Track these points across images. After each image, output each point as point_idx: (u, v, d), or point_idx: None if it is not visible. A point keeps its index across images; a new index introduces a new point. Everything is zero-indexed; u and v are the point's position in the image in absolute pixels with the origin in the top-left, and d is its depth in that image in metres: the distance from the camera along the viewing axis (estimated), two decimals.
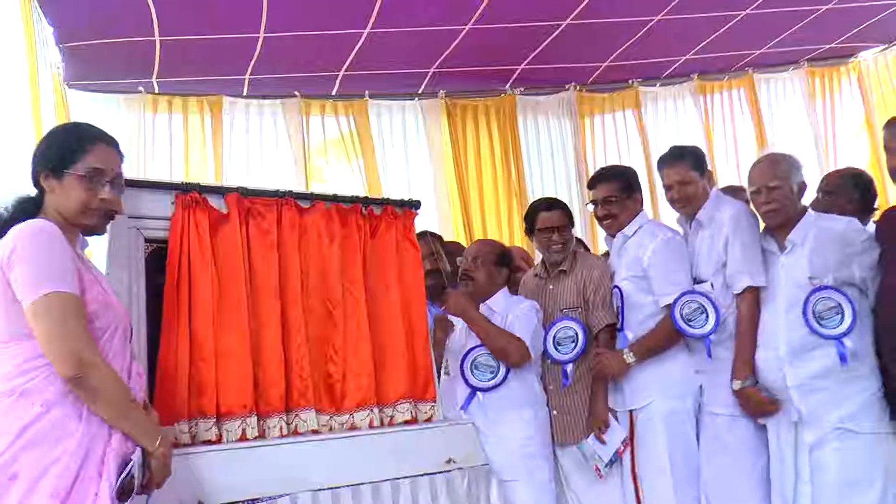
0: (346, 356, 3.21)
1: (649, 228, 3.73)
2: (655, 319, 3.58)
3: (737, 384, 3.39)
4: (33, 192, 2.34)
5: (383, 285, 3.39)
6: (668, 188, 3.73)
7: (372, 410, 3.20)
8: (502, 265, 3.82)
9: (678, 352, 3.58)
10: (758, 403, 3.36)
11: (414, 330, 3.42)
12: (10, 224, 2.17)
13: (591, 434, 3.59)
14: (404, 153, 6.87)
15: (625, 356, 3.54)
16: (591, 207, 3.90)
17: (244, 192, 3.10)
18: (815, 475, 3.19)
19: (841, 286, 3.24)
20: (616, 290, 3.66)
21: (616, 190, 3.76)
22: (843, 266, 3.27)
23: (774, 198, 3.36)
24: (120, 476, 2.10)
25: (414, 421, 3.30)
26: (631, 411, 3.59)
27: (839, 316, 3.20)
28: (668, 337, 3.55)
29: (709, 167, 3.81)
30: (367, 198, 3.51)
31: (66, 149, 2.29)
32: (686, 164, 3.69)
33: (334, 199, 3.34)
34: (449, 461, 3.20)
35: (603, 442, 3.56)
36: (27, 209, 2.25)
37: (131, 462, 2.13)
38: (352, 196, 3.43)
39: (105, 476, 2.07)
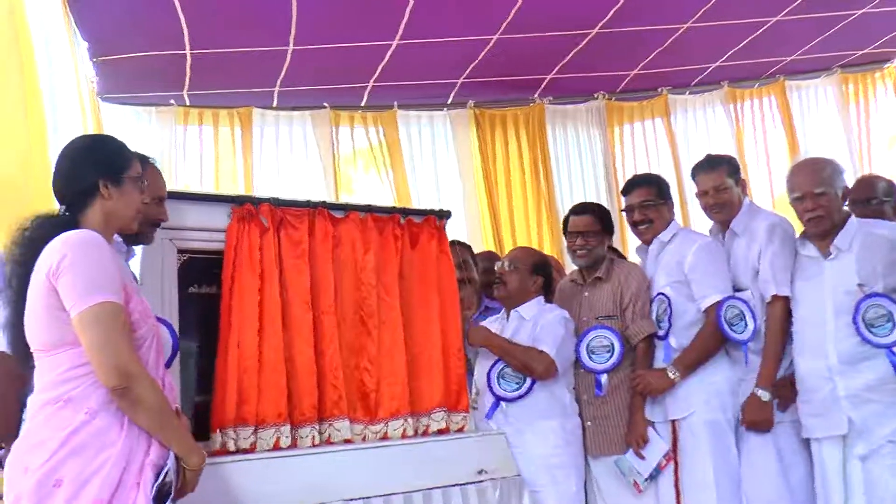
0: (380, 365, 3.23)
1: (686, 234, 3.73)
2: (698, 326, 3.55)
3: (765, 395, 3.36)
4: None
5: (420, 294, 3.41)
6: (703, 194, 3.71)
7: (406, 420, 3.21)
8: (538, 273, 3.79)
9: (720, 361, 3.54)
10: (768, 419, 3.35)
11: (448, 340, 3.42)
12: (38, 245, 2.17)
13: (629, 450, 3.55)
14: (433, 163, 6.87)
15: (669, 373, 3.50)
16: (624, 215, 3.87)
17: (276, 203, 3.14)
18: (869, 489, 3.11)
19: (891, 293, 3.19)
20: (662, 297, 3.61)
21: (652, 195, 3.75)
22: (891, 272, 3.22)
23: (821, 204, 3.30)
24: (156, 483, 2.11)
25: (447, 430, 3.30)
26: (673, 421, 3.55)
27: (889, 324, 3.13)
28: (709, 347, 3.51)
29: (742, 177, 3.78)
30: (405, 208, 3.55)
31: (119, 156, 2.34)
32: (723, 170, 3.68)
33: (369, 209, 3.38)
34: (481, 472, 3.19)
35: (641, 457, 3.52)
36: (56, 227, 2.21)
37: (166, 467, 2.15)
38: (390, 207, 3.48)
39: (142, 485, 2.09)
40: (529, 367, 3.53)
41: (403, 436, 3.19)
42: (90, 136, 2.56)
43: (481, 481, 3.17)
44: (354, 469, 2.95)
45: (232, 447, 2.83)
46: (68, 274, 2.08)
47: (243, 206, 3.05)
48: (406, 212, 3.51)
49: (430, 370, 3.35)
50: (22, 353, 2.21)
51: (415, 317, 3.39)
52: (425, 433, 3.27)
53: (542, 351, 3.52)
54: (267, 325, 2.98)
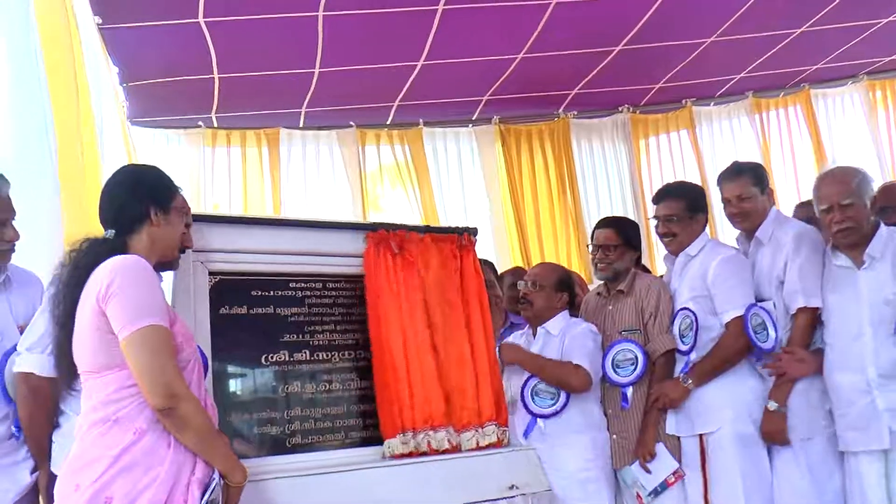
0: (449, 379, 3.31)
1: (712, 248, 3.67)
2: None
3: (773, 405, 3.33)
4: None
5: (471, 310, 3.49)
6: (726, 202, 3.68)
7: (476, 431, 3.31)
8: (562, 289, 3.79)
9: (747, 374, 3.48)
10: (781, 430, 3.31)
11: (491, 354, 3.49)
12: (88, 266, 2.23)
13: (635, 461, 3.53)
14: (459, 179, 6.92)
15: (682, 382, 3.47)
16: (654, 222, 3.83)
17: (387, 227, 3.34)
18: None
19: None
20: (686, 311, 3.56)
21: (679, 209, 3.69)
22: None
23: (849, 216, 3.22)
24: (202, 500, 2.16)
25: (499, 444, 3.34)
26: (701, 435, 3.49)
27: None
28: (725, 358, 3.46)
29: (770, 185, 3.75)
30: (439, 227, 3.71)
31: (168, 186, 2.45)
32: (746, 179, 3.64)
33: (428, 229, 3.52)
34: (511, 487, 3.19)
35: (648, 471, 3.49)
36: (105, 251, 2.27)
37: (213, 482, 2.20)
38: (452, 227, 3.64)
39: (189, 503, 2.13)
40: (566, 381, 3.52)
41: (477, 447, 3.27)
42: (140, 165, 2.67)
43: (512, 497, 3.17)
44: (384, 485, 2.96)
45: (401, 451, 3.06)
46: (116, 298, 2.14)
47: (377, 232, 3.28)
48: (439, 230, 3.59)
49: (484, 384, 3.39)
50: (66, 374, 2.28)
51: (474, 333, 3.47)
52: (484, 447, 3.32)
53: (577, 365, 3.52)
54: (410, 341, 3.21)
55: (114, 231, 2.33)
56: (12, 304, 2.90)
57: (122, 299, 2.14)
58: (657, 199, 3.83)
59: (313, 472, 2.90)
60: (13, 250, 2.90)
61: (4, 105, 3.40)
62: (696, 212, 3.73)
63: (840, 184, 3.30)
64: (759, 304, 3.47)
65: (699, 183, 6.58)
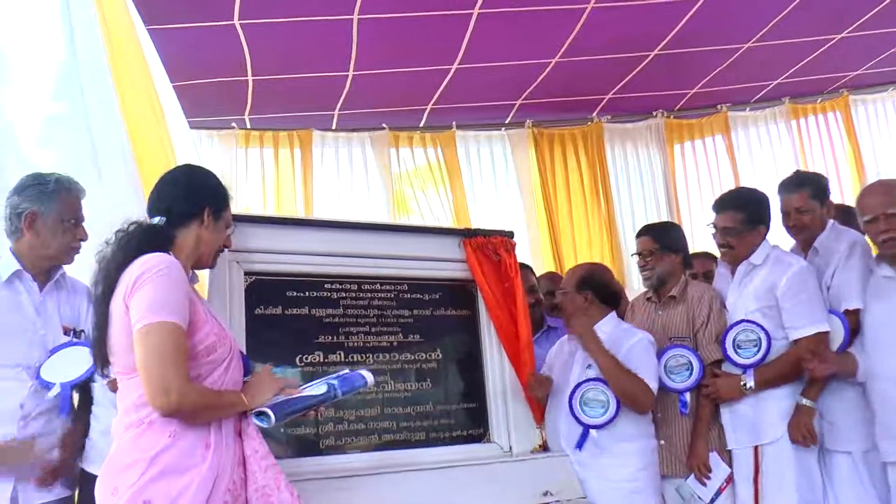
0: None
1: (778, 258, 3.56)
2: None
3: (803, 400, 3.32)
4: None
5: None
6: (785, 214, 3.64)
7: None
8: (585, 289, 3.60)
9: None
10: (808, 428, 3.29)
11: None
12: (132, 250, 2.21)
13: (690, 475, 3.46)
14: (493, 183, 6.89)
15: (743, 382, 3.40)
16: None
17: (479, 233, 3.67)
18: None
19: None
20: (752, 325, 3.45)
21: (738, 221, 3.58)
22: None
23: (894, 225, 3.19)
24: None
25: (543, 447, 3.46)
26: (756, 447, 3.42)
27: None
28: (792, 367, 3.37)
29: (829, 198, 3.68)
30: (502, 231, 3.82)
31: (223, 194, 2.47)
32: (806, 191, 3.59)
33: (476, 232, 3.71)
34: (546, 493, 3.17)
35: (704, 483, 3.44)
36: (156, 241, 2.27)
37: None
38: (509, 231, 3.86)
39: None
40: (633, 397, 3.37)
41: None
42: (202, 167, 2.66)
43: (546, 503, 3.15)
44: (419, 491, 2.95)
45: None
46: (137, 294, 2.13)
47: (474, 238, 3.61)
48: (480, 232, 3.70)
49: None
50: (101, 358, 2.26)
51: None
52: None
53: (645, 383, 3.37)
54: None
55: (164, 219, 2.32)
56: (61, 303, 2.93)
57: (142, 296, 2.12)
58: (715, 209, 3.71)
59: (344, 475, 2.90)
60: (79, 251, 2.92)
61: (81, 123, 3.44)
62: (756, 222, 3.61)
63: (884, 194, 3.27)
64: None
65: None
